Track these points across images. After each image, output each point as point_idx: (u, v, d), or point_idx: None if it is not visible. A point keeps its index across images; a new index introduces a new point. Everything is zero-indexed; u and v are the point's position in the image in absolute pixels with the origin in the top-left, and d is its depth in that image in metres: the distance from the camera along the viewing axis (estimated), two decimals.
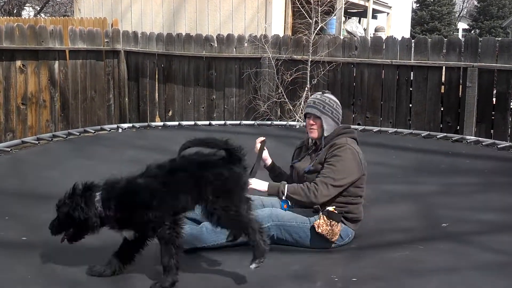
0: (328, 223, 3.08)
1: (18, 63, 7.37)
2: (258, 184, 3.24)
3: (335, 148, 3.23)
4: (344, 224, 3.19)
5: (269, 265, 2.76)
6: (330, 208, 3.13)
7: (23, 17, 20.28)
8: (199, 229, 3.09)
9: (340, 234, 3.13)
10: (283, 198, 3.20)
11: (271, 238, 3.05)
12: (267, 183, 3.28)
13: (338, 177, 3.14)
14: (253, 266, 2.55)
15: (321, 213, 3.11)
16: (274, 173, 3.55)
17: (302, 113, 7.48)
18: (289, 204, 3.26)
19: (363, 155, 3.29)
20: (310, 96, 3.49)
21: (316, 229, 3.06)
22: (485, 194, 4.04)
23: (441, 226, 3.35)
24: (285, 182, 3.26)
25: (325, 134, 3.34)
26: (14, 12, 21.35)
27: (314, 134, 3.38)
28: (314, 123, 3.36)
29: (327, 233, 3.07)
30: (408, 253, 2.85)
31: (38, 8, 23.51)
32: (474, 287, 2.55)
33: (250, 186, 3.13)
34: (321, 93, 3.45)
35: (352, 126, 6.65)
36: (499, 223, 3.32)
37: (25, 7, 24.07)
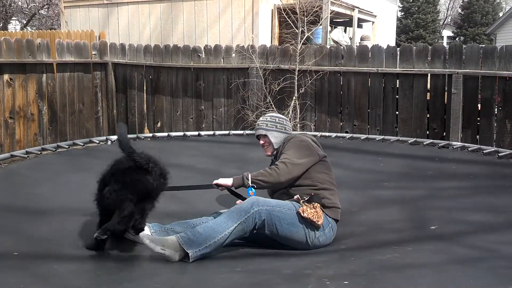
0: (311, 206, 3.27)
1: (6, 76, 7.37)
2: (223, 180, 3.54)
3: (284, 143, 3.63)
4: (324, 212, 3.34)
5: (261, 269, 2.80)
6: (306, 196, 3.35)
7: (9, 30, 20.21)
8: (195, 229, 3.12)
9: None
10: (249, 184, 3.39)
11: (262, 224, 3.15)
12: (231, 178, 3.52)
13: (293, 157, 3.44)
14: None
15: (301, 201, 3.31)
16: None
17: (290, 122, 7.54)
18: (254, 191, 3.41)
19: (317, 144, 3.62)
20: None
21: (302, 214, 3.22)
22: (472, 197, 4.10)
23: (429, 228, 3.40)
24: (247, 172, 3.48)
25: (276, 147, 3.70)
26: (0, 25, 21.29)
27: (268, 151, 3.76)
28: (264, 142, 3.75)
29: (313, 216, 3.23)
30: (398, 254, 2.89)
31: (25, 22, 23.46)
32: (463, 287, 2.59)
33: (216, 182, 3.55)
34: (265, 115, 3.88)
35: (340, 134, 6.75)
36: (485, 224, 3.38)
37: (11, 21, 24.01)
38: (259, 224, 3.14)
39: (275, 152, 3.72)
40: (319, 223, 3.24)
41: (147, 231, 3.38)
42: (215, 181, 3.57)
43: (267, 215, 3.17)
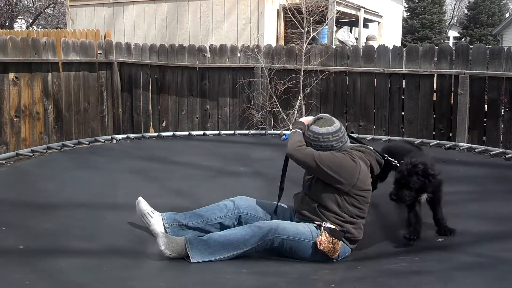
0: (330, 241, 3.11)
1: (11, 75, 7.38)
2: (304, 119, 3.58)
3: (342, 151, 3.35)
4: (343, 242, 3.21)
5: (267, 272, 2.79)
6: (332, 226, 3.16)
7: (15, 29, 20.26)
8: (206, 241, 3.08)
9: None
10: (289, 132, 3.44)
11: (272, 249, 3.08)
12: (303, 121, 3.54)
13: (326, 160, 3.22)
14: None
15: (323, 228, 3.14)
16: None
17: None
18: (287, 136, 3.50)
19: (367, 175, 3.32)
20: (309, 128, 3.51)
21: (318, 246, 3.08)
22: (479, 203, 4.06)
23: (436, 236, 3.37)
24: (302, 131, 3.46)
25: None
26: (6, 24, 21.35)
27: None
28: None
29: (328, 250, 3.09)
30: (404, 264, 2.86)
31: (31, 21, 23.52)
32: None
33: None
34: (316, 119, 3.46)
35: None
36: (492, 231, 3.34)
37: (17, 20, 24.08)
38: (269, 248, 3.09)
39: None
40: (333, 257, 3.13)
41: (160, 223, 3.35)
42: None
43: (280, 243, 3.09)
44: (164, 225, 3.36)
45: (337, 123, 3.41)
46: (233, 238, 3.05)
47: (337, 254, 3.13)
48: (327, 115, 3.50)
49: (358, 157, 3.29)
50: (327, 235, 3.11)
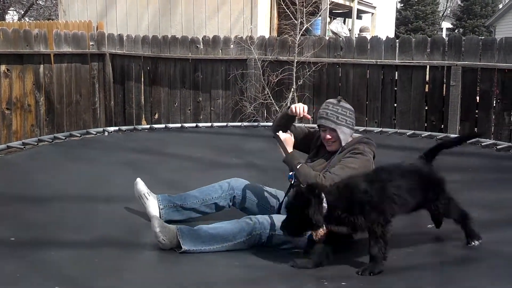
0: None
1: (3, 67, 7.33)
2: (287, 142, 3.34)
3: (354, 152, 3.24)
4: None
5: (259, 266, 2.79)
6: None
7: (7, 21, 20.11)
8: (196, 231, 3.07)
9: None
10: (292, 172, 3.23)
11: (262, 243, 3.08)
12: (292, 150, 3.32)
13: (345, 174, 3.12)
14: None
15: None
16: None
17: None
18: (294, 180, 3.23)
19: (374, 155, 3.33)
20: (324, 103, 3.45)
21: (314, 237, 3.02)
22: (470, 192, 4.07)
23: (426, 227, 3.38)
24: (303, 162, 3.29)
25: (343, 144, 3.33)
26: None
27: (333, 147, 3.37)
28: (330, 137, 3.34)
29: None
30: (396, 257, 2.86)
31: (22, 12, 23.35)
32: (463, 287, 2.58)
33: (286, 135, 3.34)
34: (336, 101, 3.42)
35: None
36: (484, 221, 3.35)
37: (8, 11, 23.90)
38: (259, 243, 3.07)
39: (340, 149, 3.35)
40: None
41: (156, 205, 3.37)
42: (280, 135, 3.36)
43: (269, 237, 3.07)
44: (159, 207, 3.38)
45: None
46: (223, 231, 3.05)
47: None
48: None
49: (369, 153, 3.29)
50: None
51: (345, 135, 3.34)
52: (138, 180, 3.52)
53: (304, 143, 3.57)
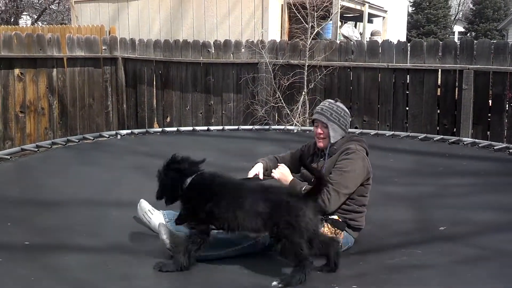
0: (333, 231, 3.11)
1: (17, 71, 7.41)
2: (285, 173, 3.31)
3: (347, 153, 3.24)
4: (347, 232, 3.20)
5: (267, 269, 2.79)
6: (335, 217, 3.16)
7: (20, 25, 20.31)
8: None
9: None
10: None
11: (272, 245, 3.07)
12: (291, 178, 3.31)
13: (349, 184, 3.15)
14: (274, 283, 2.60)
15: (325, 221, 3.12)
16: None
17: (299, 118, 7.53)
18: None
19: (369, 164, 3.31)
20: (322, 102, 3.53)
21: None
22: (482, 195, 4.07)
23: (438, 229, 3.38)
24: (306, 184, 3.26)
25: (332, 141, 3.35)
26: (11, 20, 21.40)
27: (322, 143, 3.39)
28: (321, 132, 3.37)
29: None
30: (406, 258, 2.86)
31: (36, 17, 23.57)
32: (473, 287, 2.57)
33: (278, 170, 3.30)
34: (333, 101, 3.45)
35: (350, 130, 6.71)
36: (496, 224, 3.35)
37: (22, 16, 24.13)
38: (268, 245, 3.03)
39: (328, 146, 3.38)
40: None
41: (162, 219, 3.38)
42: (274, 175, 3.35)
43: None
44: (164, 220, 3.39)
45: None
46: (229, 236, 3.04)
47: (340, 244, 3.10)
48: None
49: (361, 150, 3.28)
50: (329, 226, 3.11)
51: (336, 133, 3.35)
52: (142, 200, 3.54)
53: (294, 165, 3.53)
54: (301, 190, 3.08)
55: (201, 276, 2.83)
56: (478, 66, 6.69)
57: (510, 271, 2.70)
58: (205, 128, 6.82)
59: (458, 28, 36.30)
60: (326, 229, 3.09)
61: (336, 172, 3.18)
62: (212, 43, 8.44)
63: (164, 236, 3.00)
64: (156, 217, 3.42)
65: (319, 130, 3.38)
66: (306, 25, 7.83)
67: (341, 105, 3.42)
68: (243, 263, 2.91)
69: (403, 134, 6.36)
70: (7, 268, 2.74)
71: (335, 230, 3.11)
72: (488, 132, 6.70)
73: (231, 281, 2.78)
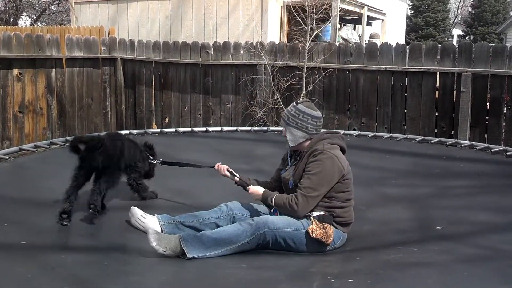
0: (321, 226, 3.14)
1: (16, 71, 7.41)
2: (255, 190, 3.43)
3: (314, 154, 3.27)
4: (335, 227, 3.24)
5: (266, 266, 2.81)
6: (321, 212, 3.21)
7: (19, 26, 20.32)
8: (199, 237, 3.10)
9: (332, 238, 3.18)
10: (274, 206, 3.33)
11: (267, 243, 3.12)
12: (262, 191, 3.42)
13: (317, 186, 3.19)
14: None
15: (312, 218, 3.18)
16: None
17: None
18: (279, 213, 3.33)
19: (344, 158, 3.32)
20: None
21: (311, 234, 3.11)
22: (479, 196, 4.09)
23: (435, 228, 3.39)
24: (277, 193, 3.38)
25: (290, 144, 3.41)
26: (11, 21, 21.41)
27: (288, 144, 3.47)
28: (285, 136, 3.46)
29: (322, 236, 3.12)
30: (402, 255, 2.88)
31: (35, 17, 23.58)
32: (469, 287, 2.58)
33: (250, 191, 3.44)
34: (295, 103, 3.48)
35: (348, 132, 6.74)
36: (492, 224, 3.37)
37: (21, 16, 24.13)
38: (263, 243, 3.13)
39: (294, 148, 3.44)
40: (328, 242, 3.16)
41: (155, 223, 3.40)
42: (250, 189, 3.49)
43: (272, 236, 3.13)
44: (159, 223, 3.40)
45: (319, 113, 3.44)
46: (225, 234, 3.10)
47: (331, 239, 3.16)
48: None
49: (329, 149, 3.28)
50: (317, 222, 3.16)
51: (294, 136, 3.40)
52: (132, 207, 3.58)
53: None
54: (271, 199, 3.30)
55: (198, 272, 2.84)
56: (476, 69, 6.71)
57: (507, 270, 2.71)
58: (204, 129, 6.83)
59: (456, 31, 36.41)
60: (315, 225, 3.13)
61: (304, 176, 3.26)
62: (211, 45, 8.45)
63: (154, 243, 3.03)
64: (150, 221, 3.44)
65: (283, 134, 3.50)
66: (305, 27, 7.85)
67: (302, 107, 3.40)
68: (239, 259, 2.93)
69: (401, 136, 6.38)
70: (3, 266, 2.75)
71: (323, 225, 3.15)
72: (486, 135, 6.72)
73: (228, 275, 2.79)
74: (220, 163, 3.79)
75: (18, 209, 3.73)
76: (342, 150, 3.39)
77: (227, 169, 3.72)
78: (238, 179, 3.63)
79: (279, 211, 3.32)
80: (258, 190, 3.44)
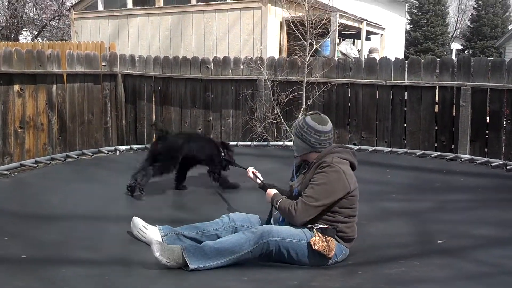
0: (324, 239, 3.15)
1: (16, 87, 7.44)
2: (269, 192, 3.54)
3: (322, 166, 3.29)
4: (337, 241, 3.24)
5: (267, 279, 2.80)
6: (323, 225, 3.22)
7: (20, 41, 20.42)
8: (202, 248, 3.10)
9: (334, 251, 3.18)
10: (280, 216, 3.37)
11: (270, 253, 3.12)
12: (274, 193, 3.50)
13: (319, 197, 3.19)
14: None
15: (315, 230, 3.18)
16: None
17: None
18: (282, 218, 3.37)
19: (352, 175, 3.32)
20: None
21: (313, 246, 3.12)
22: (479, 211, 4.09)
23: (436, 242, 3.39)
24: (285, 197, 3.42)
25: (296, 154, 3.53)
26: (12, 36, 21.51)
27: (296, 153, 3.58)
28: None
29: (324, 249, 3.12)
30: (404, 269, 2.87)
31: (36, 33, 23.69)
32: None
33: (266, 192, 3.55)
34: (303, 115, 3.53)
35: (348, 146, 6.73)
36: (493, 238, 3.36)
37: (22, 32, 24.25)
38: (267, 253, 3.13)
39: (300, 158, 3.51)
40: (330, 255, 3.16)
41: (157, 234, 3.40)
42: (267, 191, 3.58)
43: (276, 245, 3.12)
44: (160, 235, 3.40)
45: (326, 127, 3.43)
46: (228, 244, 3.10)
47: (333, 252, 3.16)
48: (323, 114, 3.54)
49: (337, 163, 3.28)
50: (319, 234, 3.16)
51: (297, 146, 3.49)
52: (134, 217, 3.59)
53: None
54: (276, 201, 3.37)
55: (199, 285, 2.83)
56: (475, 83, 6.73)
57: (508, 285, 2.71)
58: None
59: (455, 46, 36.57)
60: (317, 238, 3.15)
61: (309, 186, 3.28)
62: (211, 60, 8.50)
63: (157, 254, 3.02)
64: (151, 232, 3.43)
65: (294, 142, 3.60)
66: (305, 42, 7.90)
67: (308, 120, 3.44)
68: (241, 272, 2.92)
69: (401, 150, 6.38)
70: (4, 279, 2.74)
71: (325, 237, 3.16)
72: (486, 149, 6.72)
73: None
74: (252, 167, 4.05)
75: (18, 223, 3.73)
76: (352, 166, 3.39)
77: (253, 172, 3.99)
78: (260, 181, 3.83)
79: (280, 214, 3.36)
80: (271, 192, 3.52)
